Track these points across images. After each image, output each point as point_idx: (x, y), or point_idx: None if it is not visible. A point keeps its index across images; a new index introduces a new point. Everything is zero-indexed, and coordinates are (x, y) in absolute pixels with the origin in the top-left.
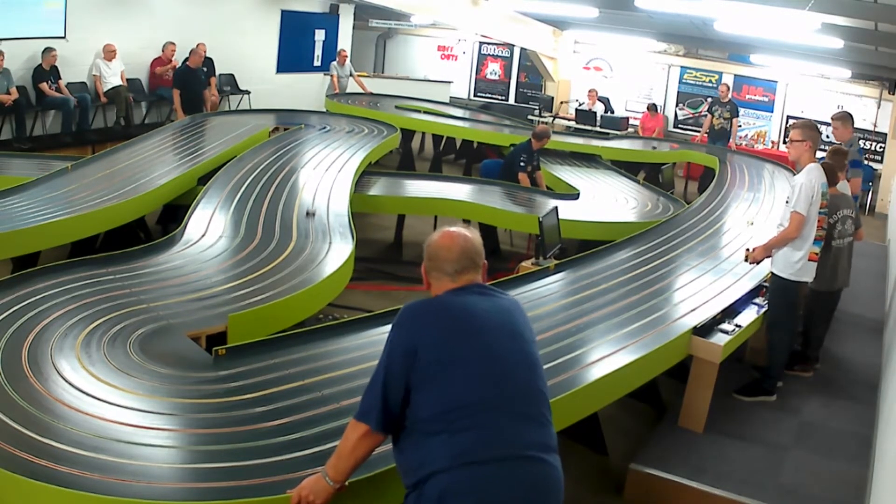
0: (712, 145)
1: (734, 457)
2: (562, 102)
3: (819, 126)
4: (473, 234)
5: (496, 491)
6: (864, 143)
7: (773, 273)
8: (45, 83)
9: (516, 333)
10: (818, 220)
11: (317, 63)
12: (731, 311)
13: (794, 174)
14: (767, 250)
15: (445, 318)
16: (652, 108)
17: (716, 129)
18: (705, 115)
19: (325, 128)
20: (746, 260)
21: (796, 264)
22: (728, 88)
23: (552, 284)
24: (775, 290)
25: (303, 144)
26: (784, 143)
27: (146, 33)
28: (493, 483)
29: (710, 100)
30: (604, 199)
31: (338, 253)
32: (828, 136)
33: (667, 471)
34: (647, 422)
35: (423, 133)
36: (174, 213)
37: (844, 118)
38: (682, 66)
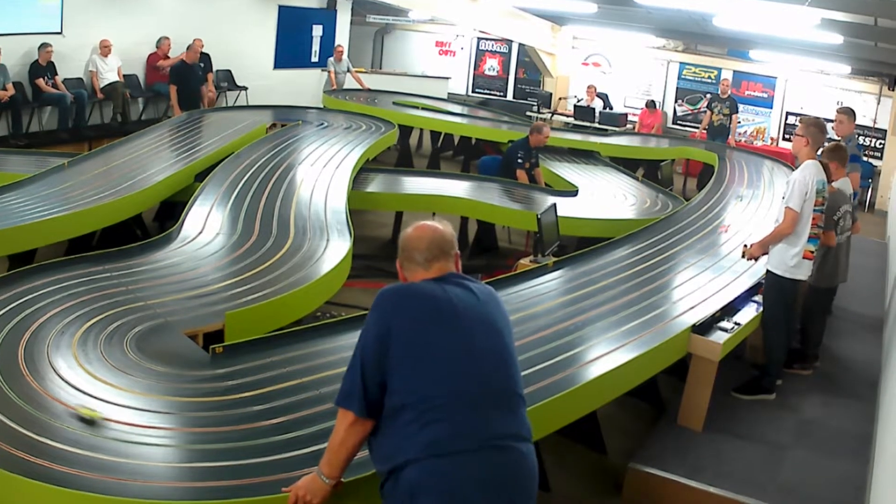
0: (712, 142)
1: (733, 455)
2: (560, 98)
3: (827, 124)
4: (445, 226)
5: (466, 482)
6: (864, 140)
7: (768, 270)
8: (41, 79)
9: (491, 324)
10: (813, 218)
11: (314, 59)
12: (730, 309)
13: (793, 170)
14: (764, 247)
15: (420, 303)
16: (650, 104)
17: (715, 125)
18: (704, 112)
19: (322, 124)
20: (743, 256)
21: (791, 261)
22: (728, 84)
23: (550, 282)
24: (770, 287)
25: (300, 141)
26: (784, 139)
27: (143, 29)
28: (467, 473)
29: (709, 96)
30: (602, 196)
31: (335, 250)
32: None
33: (666, 469)
34: (645, 420)
35: (421, 129)
36: (171, 210)
37: (850, 113)
38: (681, 62)
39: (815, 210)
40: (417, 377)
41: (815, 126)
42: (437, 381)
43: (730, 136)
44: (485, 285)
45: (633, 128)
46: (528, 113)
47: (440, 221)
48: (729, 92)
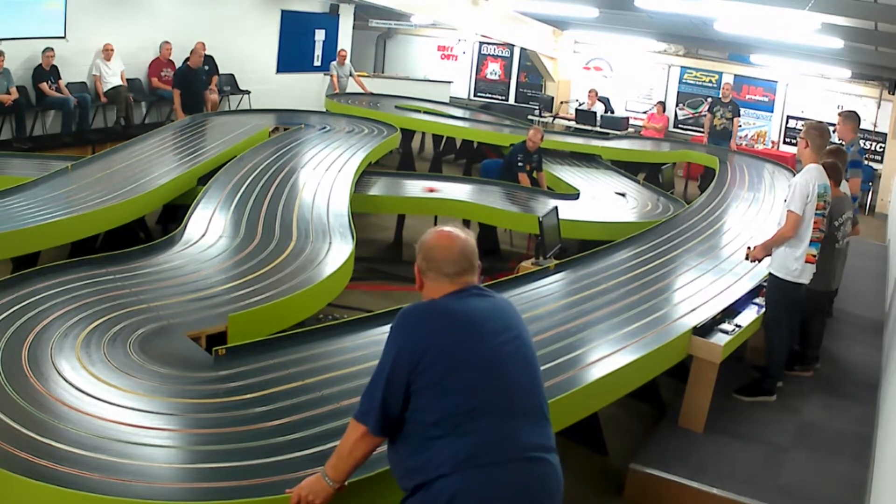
0: (714, 145)
1: (734, 457)
2: (562, 102)
3: (829, 129)
4: (469, 235)
5: (505, 493)
6: (864, 143)
7: (770, 273)
8: (45, 83)
9: (517, 336)
10: (815, 222)
11: (317, 63)
12: (731, 311)
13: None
14: (767, 249)
15: (451, 323)
16: (661, 105)
17: (717, 129)
18: (705, 115)
19: (325, 128)
20: (747, 258)
21: (794, 265)
22: (731, 88)
23: (552, 284)
24: (772, 290)
25: (303, 144)
26: (785, 143)
27: (146, 33)
28: (502, 485)
29: (710, 99)
30: (604, 199)
31: (338, 253)
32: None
33: (667, 471)
34: (647, 422)
35: (423, 133)
36: (174, 213)
37: (848, 116)
38: (682, 66)
39: (816, 214)
40: (450, 394)
41: (817, 130)
42: (469, 396)
43: (732, 140)
44: (503, 297)
45: (635, 131)
46: (530, 117)
47: (462, 229)
48: (731, 96)
